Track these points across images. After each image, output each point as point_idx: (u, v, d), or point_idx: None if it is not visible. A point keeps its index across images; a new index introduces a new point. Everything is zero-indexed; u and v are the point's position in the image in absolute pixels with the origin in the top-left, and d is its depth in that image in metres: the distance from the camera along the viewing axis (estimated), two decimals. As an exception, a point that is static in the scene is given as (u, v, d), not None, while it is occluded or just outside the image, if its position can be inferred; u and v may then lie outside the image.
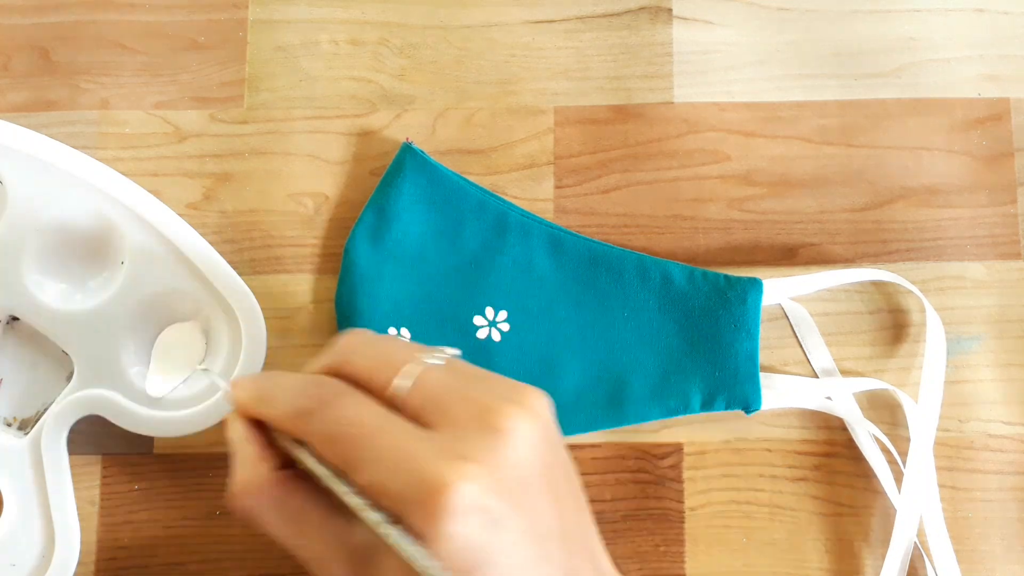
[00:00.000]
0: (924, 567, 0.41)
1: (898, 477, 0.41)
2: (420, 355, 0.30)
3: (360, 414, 0.29)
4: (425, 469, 0.26)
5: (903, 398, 0.42)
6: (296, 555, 0.30)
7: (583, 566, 0.30)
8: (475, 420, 0.28)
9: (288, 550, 0.31)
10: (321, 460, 0.29)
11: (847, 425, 0.42)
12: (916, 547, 0.41)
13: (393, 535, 0.26)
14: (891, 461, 0.42)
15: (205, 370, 0.38)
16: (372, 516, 0.27)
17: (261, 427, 0.31)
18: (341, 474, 0.29)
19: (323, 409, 0.29)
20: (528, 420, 0.28)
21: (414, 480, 0.26)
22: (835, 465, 0.42)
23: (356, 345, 0.31)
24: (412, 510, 0.26)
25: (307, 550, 0.30)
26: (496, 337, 0.42)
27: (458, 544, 0.26)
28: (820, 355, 0.43)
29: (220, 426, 0.42)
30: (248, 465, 0.31)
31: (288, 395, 0.30)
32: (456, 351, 0.33)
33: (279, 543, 0.31)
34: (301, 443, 0.30)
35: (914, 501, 0.40)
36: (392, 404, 0.29)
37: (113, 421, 0.41)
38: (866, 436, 0.42)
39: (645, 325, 0.42)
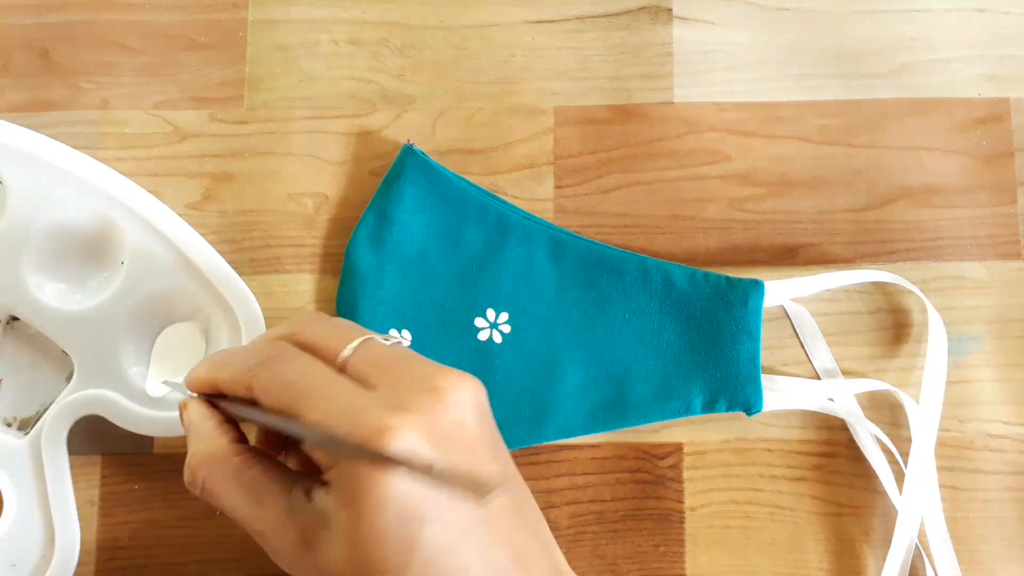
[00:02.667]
0: (924, 567, 0.41)
1: (899, 477, 0.41)
2: (369, 335, 0.32)
3: (306, 368, 0.30)
4: (367, 415, 0.28)
5: (904, 399, 0.42)
6: (250, 527, 0.31)
7: (531, 543, 0.30)
8: (415, 381, 0.30)
9: (242, 522, 0.31)
10: (268, 411, 0.31)
11: (848, 425, 0.42)
12: (916, 547, 0.41)
13: (344, 449, 0.28)
14: (892, 461, 0.42)
15: (165, 383, 0.38)
16: (320, 436, 0.28)
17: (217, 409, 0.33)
18: (287, 422, 0.30)
19: (271, 363, 0.31)
20: (466, 385, 0.30)
21: (356, 424, 0.28)
22: (835, 465, 0.42)
23: (309, 318, 0.33)
24: (356, 453, 0.28)
25: (262, 520, 0.31)
26: (497, 339, 0.42)
27: (397, 492, 0.27)
28: (822, 356, 0.43)
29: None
30: (206, 438, 0.32)
31: (239, 357, 0.32)
32: (407, 338, 0.37)
33: (234, 517, 0.31)
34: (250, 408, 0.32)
35: (915, 502, 0.40)
36: (339, 371, 0.31)
37: (113, 421, 0.41)
38: (867, 436, 0.42)
39: (646, 327, 0.42)
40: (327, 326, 0.33)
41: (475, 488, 0.25)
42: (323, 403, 0.29)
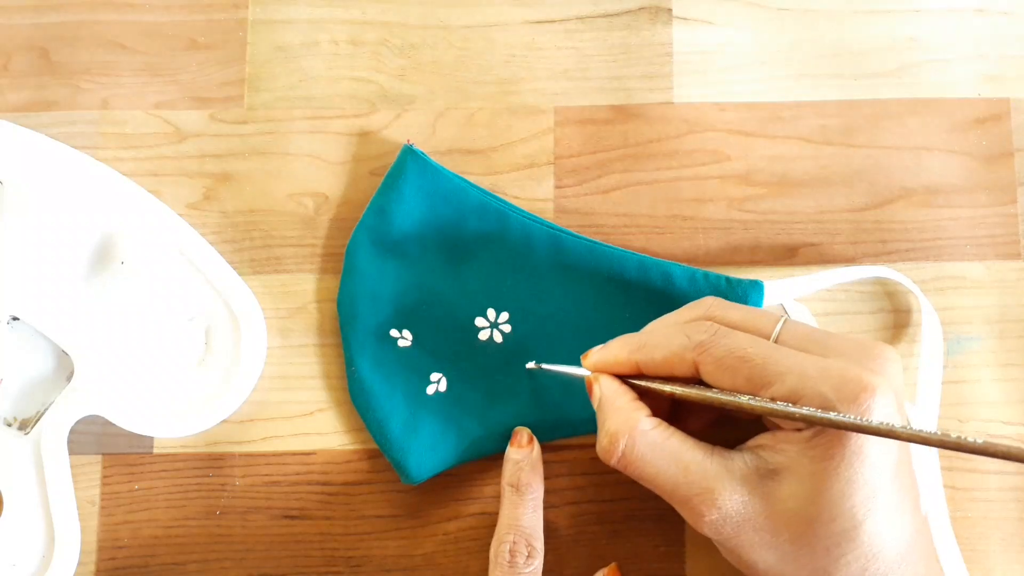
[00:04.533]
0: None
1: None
2: (784, 314, 0.36)
3: (753, 343, 0.33)
4: (848, 376, 0.31)
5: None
6: (674, 493, 0.34)
7: (919, 506, 0.34)
8: (858, 350, 0.33)
9: (664, 488, 0.34)
10: (714, 385, 0.34)
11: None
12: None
13: (846, 418, 0.30)
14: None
15: (538, 367, 0.40)
16: (803, 411, 0.31)
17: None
18: (728, 393, 0.33)
19: (717, 340, 0.34)
20: (895, 355, 0.34)
21: (841, 383, 0.31)
22: (835, 465, 0.42)
23: (715, 303, 0.36)
24: (843, 408, 0.31)
25: (690, 487, 0.33)
26: (498, 338, 0.42)
27: (877, 442, 0.31)
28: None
29: (221, 426, 0.42)
30: (624, 411, 0.35)
31: (670, 339, 0.35)
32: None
33: (655, 483, 0.34)
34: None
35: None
36: None
37: (113, 421, 0.41)
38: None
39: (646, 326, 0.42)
40: (738, 309, 0.36)
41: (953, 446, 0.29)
42: (792, 372, 0.32)
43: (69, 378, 0.42)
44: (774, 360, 0.32)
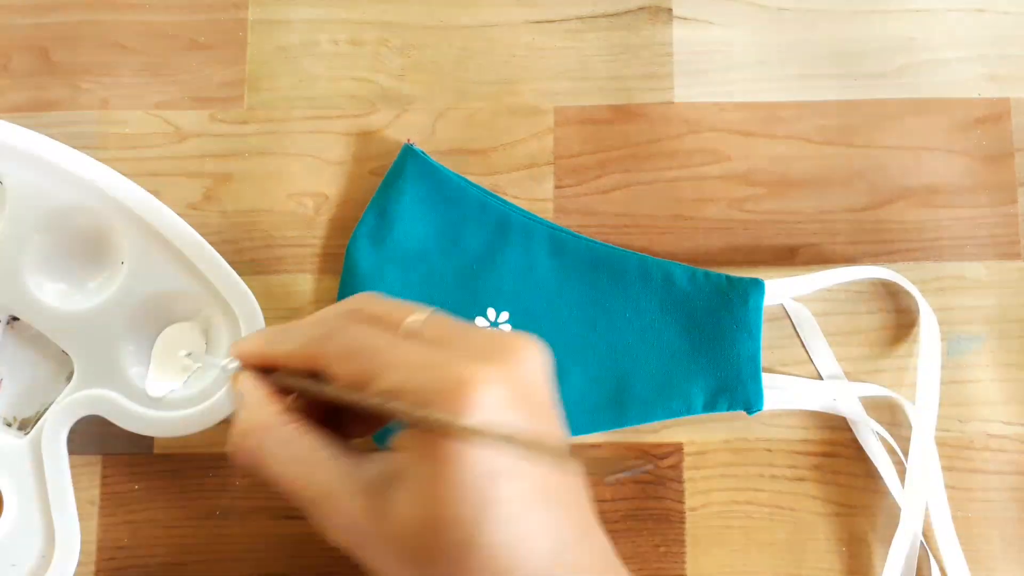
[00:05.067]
0: (928, 568, 0.41)
1: (902, 475, 0.41)
2: (434, 309, 0.32)
3: (375, 334, 0.30)
4: (449, 368, 0.28)
5: (904, 402, 0.42)
6: (302, 495, 0.30)
7: (589, 519, 0.30)
8: (489, 342, 0.30)
9: (292, 491, 0.31)
10: (333, 381, 0.30)
11: (850, 423, 0.42)
12: (922, 546, 0.41)
13: (422, 413, 0.27)
14: (896, 462, 0.42)
15: (188, 355, 0.38)
16: (396, 406, 0.28)
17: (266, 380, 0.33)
18: (355, 390, 0.29)
19: (339, 332, 0.31)
20: (538, 346, 0.30)
21: (437, 377, 0.28)
22: (836, 465, 0.42)
23: (369, 297, 0.33)
24: (437, 404, 0.27)
25: (315, 488, 0.30)
26: (498, 338, 0.42)
27: (475, 445, 0.27)
28: (823, 355, 0.43)
29: (220, 426, 0.42)
30: (256, 407, 0.32)
31: (300, 331, 0.32)
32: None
33: (282, 485, 0.31)
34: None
35: (918, 496, 0.40)
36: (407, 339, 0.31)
37: (113, 421, 0.41)
38: (870, 433, 0.42)
39: (647, 326, 0.42)
40: (390, 302, 0.33)
41: (551, 452, 0.25)
42: (398, 365, 0.29)
43: (69, 378, 0.42)
44: (385, 352, 0.29)
